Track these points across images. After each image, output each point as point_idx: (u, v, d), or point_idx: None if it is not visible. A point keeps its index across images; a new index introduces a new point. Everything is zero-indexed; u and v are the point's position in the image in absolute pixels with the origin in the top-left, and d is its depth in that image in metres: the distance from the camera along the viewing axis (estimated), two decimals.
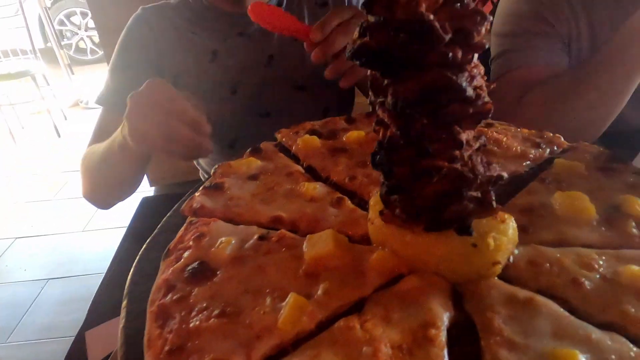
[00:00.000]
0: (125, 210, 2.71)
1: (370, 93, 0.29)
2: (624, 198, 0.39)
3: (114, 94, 0.90)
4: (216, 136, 0.98)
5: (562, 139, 0.50)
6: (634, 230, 0.36)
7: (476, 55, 0.26)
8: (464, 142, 0.28)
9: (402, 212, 0.32)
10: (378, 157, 0.30)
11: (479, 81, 0.27)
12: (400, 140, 0.28)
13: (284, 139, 0.54)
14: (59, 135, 3.73)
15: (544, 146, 0.49)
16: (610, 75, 0.77)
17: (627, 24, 0.76)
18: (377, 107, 0.29)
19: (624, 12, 0.89)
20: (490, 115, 0.28)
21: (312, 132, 0.54)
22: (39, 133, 3.83)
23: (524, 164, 0.46)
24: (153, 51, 0.92)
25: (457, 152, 0.28)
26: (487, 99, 0.27)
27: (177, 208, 0.44)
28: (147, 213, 0.94)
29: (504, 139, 0.49)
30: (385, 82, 0.27)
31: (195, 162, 1.14)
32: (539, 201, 0.40)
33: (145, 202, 0.98)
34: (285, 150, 0.53)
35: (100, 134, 0.89)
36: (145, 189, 2.78)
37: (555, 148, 0.49)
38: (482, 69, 0.27)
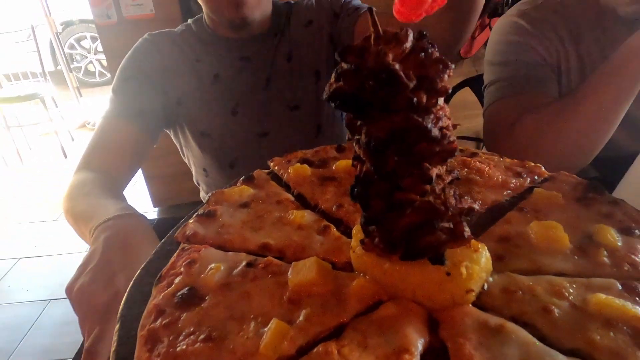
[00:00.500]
0: None
1: (347, 132, 0.31)
2: (598, 227, 0.41)
3: (116, 107, 0.94)
4: (217, 156, 1.02)
5: (543, 168, 0.52)
6: (605, 259, 0.38)
7: (442, 99, 0.29)
8: (434, 177, 0.30)
9: (380, 241, 0.34)
10: (356, 190, 0.32)
11: (445, 122, 0.29)
12: (374, 175, 0.30)
13: (276, 167, 0.56)
14: (66, 156, 3.80)
15: (524, 175, 0.51)
16: (598, 102, 0.80)
17: (614, 54, 0.79)
18: (354, 144, 0.32)
19: (611, 44, 0.93)
20: (455, 154, 0.30)
21: (304, 160, 0.56)
22: (46, 154, 3.89)
23: (505, 193, 0.48)
24: (158, 73, 0.97)
25: (427, 187, 0.30)
26: (452, 138, 0.30)
27: (171, 234, 0.46)
28: None
29: (487, 169, 0.51)
30: (359, 122, 0.29)
31: (196, 182, 1.17)
32: (516, 230, 0.42)
33: None
34: (277, 178, 0.55)
35: (99, 142, 0.93)
36: (149, 210, 2.82)
37: (536, 177, 0.51)
38: (447, 111, 0.30)
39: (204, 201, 1.19)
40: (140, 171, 2.73)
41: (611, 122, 0.80)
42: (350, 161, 0.54)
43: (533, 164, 0.53)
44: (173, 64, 0.98)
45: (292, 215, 0.45)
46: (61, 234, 2.76)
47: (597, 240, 0.40)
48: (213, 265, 0.39)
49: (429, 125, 0.28)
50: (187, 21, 1.05)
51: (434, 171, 0.30)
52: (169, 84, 0.97)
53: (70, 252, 2.58)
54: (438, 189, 0.32)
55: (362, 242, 0.35)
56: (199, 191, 1.22)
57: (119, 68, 0.99)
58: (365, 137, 0.29)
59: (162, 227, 0.84)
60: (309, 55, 1.00)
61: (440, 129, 0.29)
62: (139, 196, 3.03)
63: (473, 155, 0.56)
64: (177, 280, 0.38)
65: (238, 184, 0.53)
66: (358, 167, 0.32)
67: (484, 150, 0.98)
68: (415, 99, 0.26)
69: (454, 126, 0.30)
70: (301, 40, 1.01)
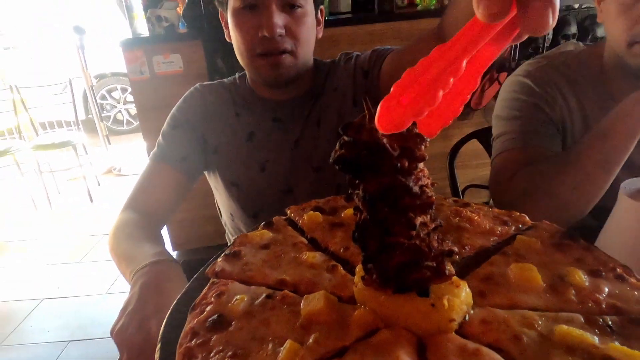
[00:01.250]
0: None
1: (348, 187, 0.40)
2: (569, 269, 0.47)
3: (162, 152, 1.04)
4: (243, 206, 1.10)
5: (527, 217, 0.59)
6: (573, 297, 0.44)
7: (421, 164, 0.37)
8: (417, 224, 0.38)
9: (377, 277, 0.41)
10: (356, 234, 0.40)
11: (424, 181, 0.37)
12: (370, 222, 0.38)
13: (292, 214, 0.65)
14: (92, 200, 3.96)
15: (510, 224, 0.58)
16: (591, 160, 0.85)
17: (607, 115, 0.85)
18: (354, 197, 0.40)
19: (614, 100, 1.00)
20: (433, 206, 0.38)
21: (316, 208, 0.65)
22: (73, 198, 4.07)
23: (491, 239, 0.55)
24: (201, 121, 1.07)
25: (412, 232, 0.38)
26: (431, 194, 0.38)
27: (202, 271, 0.54)
28: None
29: (476, 217, 0.58)
30: (357, 181, 0.38)
31: (223, 223, 1.25)
32: (498, 271, 0.48)
33: None
34: (293, 224, 0.63)
35: (144, 183, 1.03)
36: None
37: (520, 226, 0.58)
38: (426, 172, 0.38)
39: (229, 240, 1.26)
40: None
41: (604, 180, 0.85)
42: None
43: (518, 214, 0.60)
44: (216, 114, 1.08)
45: (306, 256, 0.53)
46: (83, 276, 2.85)
47: (567, 281, 0.46)
48: (238, 296, 0.46)
49: (411, 184, 0.36)
50: (235, 75, 1.14)
51: (419, 220, 0.38)
52: (210, 132, 1.07)
53: (91, 294, 2.66)
54: (423, 234, 0.39)
55: (362, 278, 0.43)
56: (216, 236, 1.31)
57: (170, 115, 1.10)
58: (361, 192, 0.37)
59: (187, 267, 0.92)
60: (335, 120, 1.05)
61: (420, 186, 0.37)
62: None
63: (465, 205, 0.63)
64: (208, 308, 0.45)
65: (259, 229, 0.61)
66: (358, 216, 0.40)
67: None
68: (399, 164, 0.35)
69: (432, 184, 0.38)
70: (330, 105, 1.07)
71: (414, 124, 0.36)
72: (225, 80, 1.14)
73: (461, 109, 0.32)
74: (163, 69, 2.53)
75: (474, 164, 2.89)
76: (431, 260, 0.39)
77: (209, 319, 0.43)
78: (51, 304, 2.61)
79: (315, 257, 0.53)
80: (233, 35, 0.99)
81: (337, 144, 0.38)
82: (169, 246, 2.91)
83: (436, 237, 0.41)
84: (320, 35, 1.06)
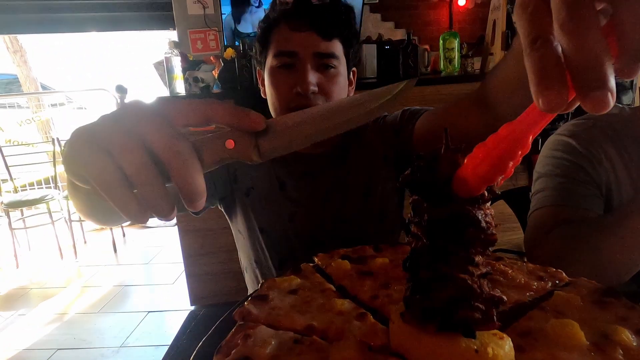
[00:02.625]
0: (164, 328, 2.76)
1: (411, 213, 0.40)
2: (613, 328, 0.44)
3: None
4: (269, 253, 1.09)
5: (564, 274, 0.57)
6: (621, 357, 0.41)
7: (489, 203, 0.38)
8: (476, 260, 0.38)
9: (420, 312, 0.40)
10: (408, 262, 0.40)
11: (490, 219, 0.38)
12: (428, 249, 0.38)
13: (320, 262, 0.64)
14: (115, 251, 4.01)
15: (546, 279, 0.56)
16: (634, 227, 0.82)
17: None
18: (412, 225, 0.40)
19: None
20: (495, 244, 0.38)
21: (344, 256, 0.64)
22: (98, 248, 4.13)
23: (527, 294, 0.53)
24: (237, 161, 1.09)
25: (469, 267, 0.38)
26: (494, 231, 0.38)
27: (228, 314, 0.53)
28: (192, 329, 1.02)
29: (510, 271, 0.57)
30: (425, 205, 0.38)
31: (243, 270, 1.23)
32: (536, 326, 0.46)
33: (191, 318, 1.07)
34: (320, 270, 0.62)
35: None
36: (186, 307, 2.87)
37: (557, 282, 0.56)
38: (492, 212, 0.39)
39: (248, 287, 1.23)
40: (182, 267, 2.85)
41: None
42: (386, 259, 0.61)
43: (554, 269, 0.58)
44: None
45: (334, 303, 0.52)
46: (100, 327, 2.82)
47: (613, 339, 0.43)
48: (265, 340, 0.45)
49: (480, 216, 0.37)
50: None
51: (478, 257, 0.38)
52: (243, 172, 1.09)
53: (105, 346, 2.61)
54: (476, 274, 0.39)
55: (402, 314, 0.41)
56: (237, 292, 1.28)
57: None
58: (427, 217, 0.38)
59: (208, 318, 0.91)
60: (363, 176, 1.07)
61: (486, 222, 0.37)
62: (178, 294, 3.11)
63: (498, 259, 0.61)
64: (234, 350, 0.44)
65: (287, 274, 0.60)
66: (413, 244, 0.40)
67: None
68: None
69: (496, 225, 0.38)
70: (358, 161, 1.09)
71: None
72: None
73: (513, 170, 0.34)
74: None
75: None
76: (481, 302, 0.38)
77: None
78: (66, 354, 2.57)
79: (344, 304, 0.52)
80: (268, 92, 1.04)
81: (410, 169, 0.39)
82: (187, 300, 2.87)
83: (485, 282, 0.40)
84: (351, 95, 1.10)
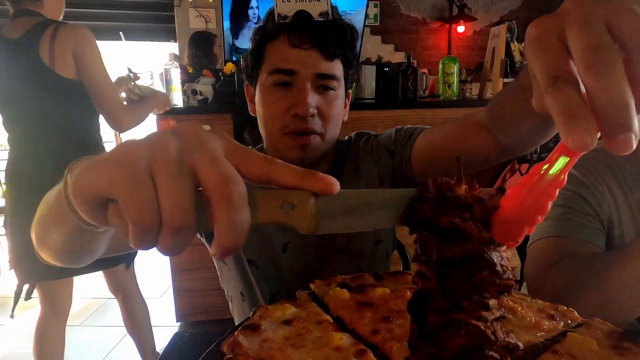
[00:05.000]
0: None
1: (417, 250, 0.37)
2: None
3: None
4: (258, 286, 1.03)
5: (576, 313, 0.54)
6: None
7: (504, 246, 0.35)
8: (490, 305, 0.34)
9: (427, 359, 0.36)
10: (414, 304, 0.36)
11: (506, 262, 0.35)
12: (437, 292, 0.35)
13: (316, 289, 0.60)
14: None
15: (558, 318, 0.52)
16: (637, 267, 0.80)
17: None
18: (419, 263, 0.37)
19: None
20: (511, 291, 0.35)
21: (343, 285, 0.60)
22: None
23: (538, 334, 0.49)
24: None
25: (483, 313, 0.34)
26: (510, 275, 0.34)
27: (216, 345, 0.49)
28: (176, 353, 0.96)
29: (520, 309, 0.53)
30: (435, 242, 0.35)
31: (228, 299, 1.17)
32: None
33: (177, 339, 1.01)
34: (317, 299, 0.59)
35: None
36: (172, 324, 2.78)
37: (569, 322, 0.52)
38: (509, 254, 0.35)
39: (232, 314, 1.17)
40: (170, 282, 2.77)
41: None
42: (387, 289, 0.58)
43: (566, 308, 0.55)
44: None
45: (332, 337, 0.48)
46: (81, 341, 2.72)
47: None
48: None
49: (495, 260, 0.34)
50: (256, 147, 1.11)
51: (490, 301, 0.35)
52: None
53: None
54: (490, 319, 0.35)
55: (407, 359, 0.38)
56: (225, 310, 1.20)
57: None
58: (436, 256, 0.35)
59: (195, 340, 0.86)
60: None
61: (502, 266, 0.34)
62: (164, 309, 3.02)
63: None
64: None
65: (281, 302, 0.56)
66: (420, 284, 0.37)
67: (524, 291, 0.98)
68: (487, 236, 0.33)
69: (512, 268, 0.35)
70: (351, 186, 1.03)
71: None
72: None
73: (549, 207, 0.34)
74: None
75: None
76: (496, 351, 0.34)
77: None
78: None
79: (342, 339, 0.48)
80: (261, 111, 0.97)
81: (412, 201, 0.36)
82: (172, 316, 2.79)
83: (499, 327, 0.36)
84: (346, 118, 1.06)
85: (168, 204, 0.31)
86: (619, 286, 0.80)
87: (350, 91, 1.07)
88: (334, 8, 0.96)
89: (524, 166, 2.91)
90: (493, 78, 2.90)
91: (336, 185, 0.36)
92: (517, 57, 3.34)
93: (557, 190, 0.33)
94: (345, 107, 1.04)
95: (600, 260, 0.86)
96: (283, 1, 0.94)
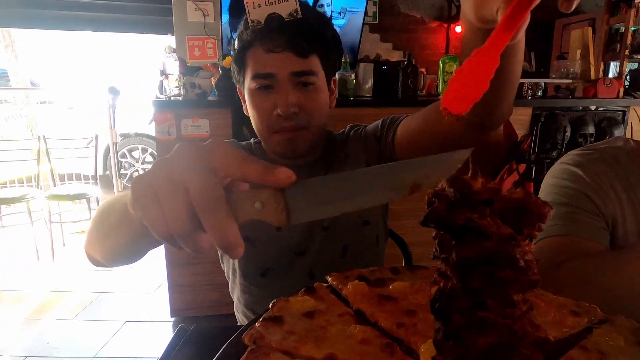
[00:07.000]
0: (142, 339, 2.65)
1: (436, 248, 0.35)
2: None
3: None
4: (253, 262, 1.05)
5: (599, 310, 0.53)
6: None
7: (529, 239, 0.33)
8: (516, 302, 0.33)
9: (453, 359, 0.35)
10: (438, 304, 0.35)
11: (530, 256, 0.33)
12: (459, 291, 0.34)
13: (334, 282, 0.59)
14: None
15: (581, 315, 0.52)
16: None
17: None
18: (439, 261, 0.36)
19: None
20: (537, 286, 0.34)
21: (361, 277, 0.59)
22: (77, 252, 3.99)
23: (563, 330, 0.49)
24: None
25: (509, 310, 0.33)
26: (536, 271, 0.33)
27: (237, 336, 0.48)
28: (182, 346, 0.95)
29: (542, 304, 0.53)
30: (453, 242, 0.34)
31: (227, 277, 1.19)
32: None
33: (181, 333, 1.00)
34: (335, 292, 0.58)
35: None
36: (166, 319, 2.76)
37: (592, 318, 0.52)
38: (532, 248, 0.34)
39: (233, 296, 1.19)
40: (165, 277, 2.75)
41: None
42: (406, 283, 0.57)
43: (587, 304, 0.54)
44: None
45: (355, 330, 0.47)
46: (74, 335, 2.69)
47: None
48: None
49: (517, 256, 0.32)
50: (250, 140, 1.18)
51: (517, 297, 0.33)
52: None
53: (79, 356, 2.48)
54: (516, 316, 0.34)
55: (433, 359, 0.37)
56: (220, 306, 1.27)
57: None
58: (455, 256, 0.33)
59: (198, 333, 0.84)
60: None
61: (526, 261, 0.33)
62: (158, 304, 3.00)
63: None
64: None
65: (300, 294, 0.55)
66: (442, 283, 0.35)
67: None
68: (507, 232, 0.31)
69: (538, 261, 0.34)
70: (341, 171, 1.09)
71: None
72: (242, 142, 1.17)
73: (488, 84, 0.40)
74: (190, 131, 2.60)
75: None
76: (525, 347, 0.33)
77: None
78: None
79: (367, 331, 0.47)
80: (250, 113, 1.03)
81: (431, 198, 0.34)
82: (166, 311, 2.76)
83: (527, 321, 0.35)
84: (333, 105, 1.10)
85: (169, 216, 0.40)
86: (627, 285, 0.81)
87: (335, 78, 1.10)
88: (303, 4, 0.99)
89: (522, 166, 2.93)
90: None
91: (289, 177, 0.41)
92: None
93: (494, 69, 0.40)
94: (332, 94, 1.09)
95: (608, 258, 0.86)
96: (254, 7, 0.97)
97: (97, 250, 0.73)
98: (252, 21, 0.98)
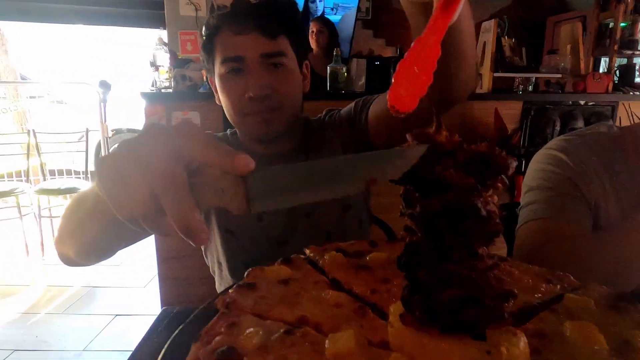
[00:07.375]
0: (132, 333, 2.63)
1: (402, 204, 0.35)
2: (634, 334, 0.41)
3: None
4: (235, 255, 1.04)
5: (572, 277, 0.54)
6: None
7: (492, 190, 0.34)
8: (480, 254, 0.33)
9: (421, 314, 0.35)
10: (403, 259, 0.35)
11: (492, 207, 0.33)
12: (424, 245, 0.34)
13: (311, 254, 0.59)
14: None
15: (554, 282, 0.52)
16: (632, 242, 0.81)
17: None
18: (406, 217, 0.36)
19: None
20: (500, 235, 0.34)
21: (339, 250, 0.59)
22: None
23: (535, 295, 0.49)
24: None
25: (473, 262, 0.33)
26: (498, 221, 0.33)
27: (210, 302, 0.47)
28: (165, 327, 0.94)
29: (516, 272, 0.53)
30: (417, 195, 0.34)
31: (212, 272, 1.18)
32: (550, 328, 0.42)
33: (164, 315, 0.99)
34: (312, 263, 0.58)
35: None
36: (156, 312, 2.75)
37: (566, 285, 0.52)
38: (495, 199, 0.34)
39: (217, 287, 1.18)
40: (155, 270, 2.73)
41: None
42: (383, 254, 0.57)
43: (562, 273, 0.55)
44: None
45: (329, 295, 0.47)
46: (63, 329, 2.67)
47: (635, 346, 0.40)
48: (252, 329, 0.40)
49: (479, 205, 0.32)
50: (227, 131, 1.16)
51: (481, 250, 0.34)
52: None
53: (67, 349, 2.47)
54: (481, 268, 0.34)
55: (401, 316, 0.37)
56: (208, 298, 1.24)
57: None
58: (419, 210, 0.33)
59: (183, 314, 0.84)
60: None
61: (488, 211, 0.33)
62: (149, 298, 2.98)
63: (502, 260, 0.58)
64: (216, 339, 0.39)
65: (276, 264, 0.55)
66: (408, 238, 0.35)
67: None
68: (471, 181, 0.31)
69: (500, 212, 0.34)
70: (319, 157, 1.07)
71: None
72: (219, 134, 1.16)
73: (432, 77, 0.40)
74: None
75: None
76: (490, 300, 0.34)
77: (218, 350, 0.37)
78: (24, 355, 2.41)
79: (340, 297, 0.47)
80: (222, 99, 1.01)
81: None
82: (157, 304, 2.75)
83: (492, 275, 0.35)
84: (307, 90, 1.09)
85: (133, 198, 0.39)
86: (611, 265, 0.81)
87: (306, 62, 1.09)
88: None
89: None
90: (484, 72, 2.92)
91: (247, 164, 0.39)
92: (507, 52, 3.36)
93: (435, 60, 0.40)
94: (305, 79, 1.07)
95: (593, 240, 0.87)
96: None
97: (69, 245, 0.70)
98: (218, 6, 0.97)
